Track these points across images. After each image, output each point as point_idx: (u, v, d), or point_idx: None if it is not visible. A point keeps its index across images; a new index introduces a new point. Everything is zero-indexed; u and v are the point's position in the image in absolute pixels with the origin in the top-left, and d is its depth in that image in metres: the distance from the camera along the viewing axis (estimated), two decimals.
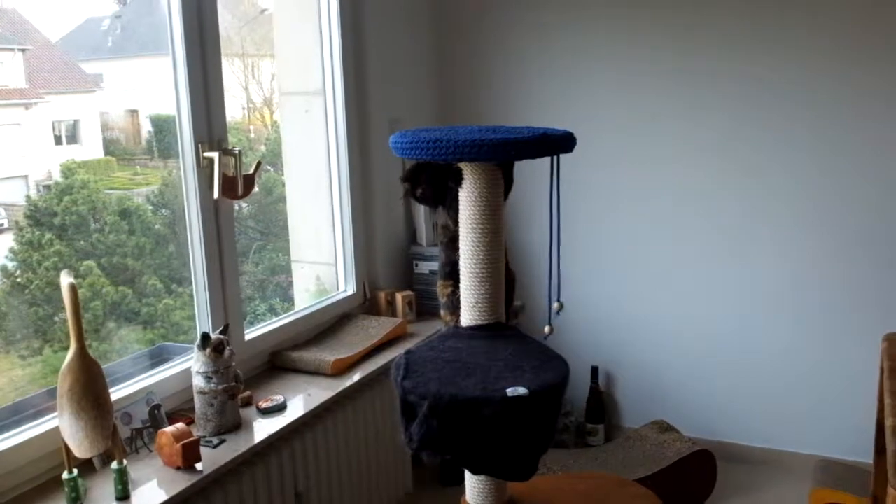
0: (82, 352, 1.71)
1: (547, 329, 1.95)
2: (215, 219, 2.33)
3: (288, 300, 3.06)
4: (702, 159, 3.09)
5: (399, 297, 3.00)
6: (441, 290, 1.98)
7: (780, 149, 2.97)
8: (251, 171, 2.38)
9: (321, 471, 2.35)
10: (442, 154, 1.73)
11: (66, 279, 1.70)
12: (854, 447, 2.91)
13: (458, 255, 1.85)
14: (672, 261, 3.21)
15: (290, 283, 3.08)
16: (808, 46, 2.86)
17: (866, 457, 2.35)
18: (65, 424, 1.71)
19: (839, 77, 2.84)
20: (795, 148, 2.95)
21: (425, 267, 3.16)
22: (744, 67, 2.96)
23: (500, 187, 1.85)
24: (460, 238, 1.87)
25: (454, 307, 1.92)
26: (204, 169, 2.27)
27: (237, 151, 2.31)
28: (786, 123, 2.94)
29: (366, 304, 3.04)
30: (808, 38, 2.86)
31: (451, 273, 1.91)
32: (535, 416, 1.58)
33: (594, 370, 3.33)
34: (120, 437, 1.85)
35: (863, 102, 2.83)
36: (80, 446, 1.72)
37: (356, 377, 2.51)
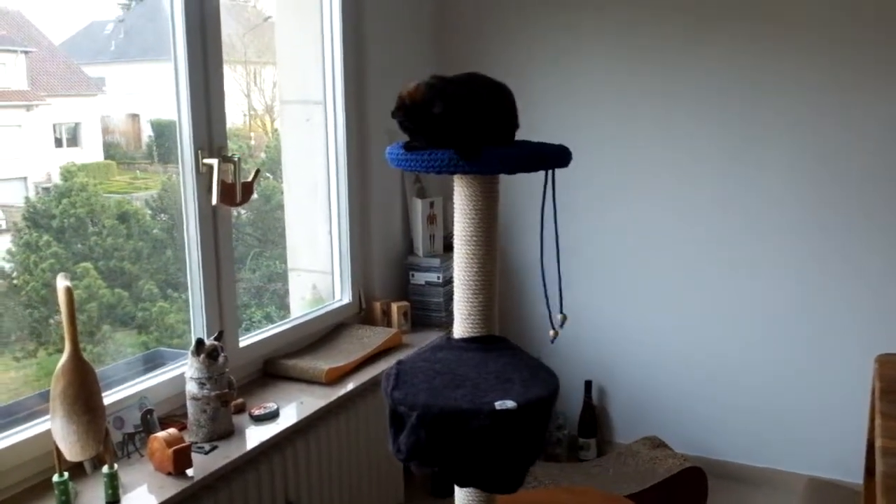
0: (76, 355, 1.72)
1: (552, 333, 1.95)
2: (213, 225, 2.34)
3: (284, 308, 3.07)
4: (699, 176, 3.11)
5: (395, 307, 3.01)
6: None
7: (778, 167, 2.99)
8: (250, 179, 2.40)
9: (313, 479, 2.35)
10: (436, 167, 1.74)
11: (62, 282, 1.71)
12: (845, 467, 2.91)
13: None
14: (668, 277, 3.22)
15: (287, 291, 3.09)
16: (811, 58, 2.88)
17: (857, 477, 2.35)
18: (57, 427, 1.72)
19: (844, 97, 2.86)
20: (794, 167, 2.96)
21: (421, 278, 3.17)
22: (745, 79, 2.98)
23: (494, 200, 1.86)
24: (454, 250, 1.88)
25: None
26: (203, 175, 2.28)
27: (236, 158, 2.33)
28: (786, 142, 2.96)
29: (361, 313, 3.05)
30: (811, 48, 2.88)
31: None
32: (523, 429, 1.59)
33: (588, 385, 3.33)
34: (111, 441, 1.86)
35: (865, 122, 2.84)
36: (71, 449, 1.73)
37: (350, 386, 2.52)
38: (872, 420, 1.93)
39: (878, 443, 1.61)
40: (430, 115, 1.67)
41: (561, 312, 1.93)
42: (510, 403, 1.56)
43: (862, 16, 2.79)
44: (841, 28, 2.82)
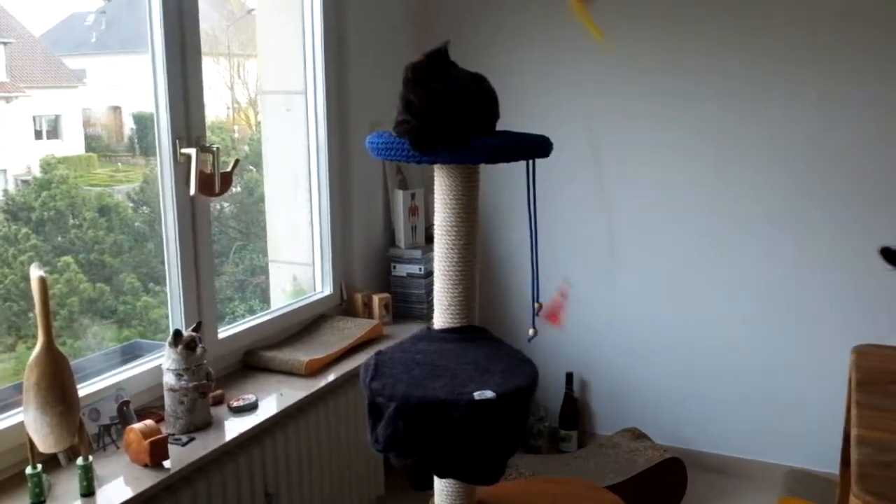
0: (50, 345, 1.70)
1: (531, 332, 1.96)
2: (191, 215, 2.32)
3: (267, 301, 3.05)
4: (682, 169, 3.12)
5: (376, 298, 3.00)
6: None
7: (759, 160, 3.00)
8: (229, 169, 2.38)
9: (292, 472, 2.34)
10: (417, 156, 1.74)
11: (35, 272, 1.69)
12: (823, 458, 2.94)
13: None
14: (649, 270, 3.23)
15: (270, 285, 3.07)
16: (793, 51, 2.89)
17: (834, 468, 2.36)
18: (30, 419, 1.70)
19: (821, 90, 2.88)
20: (775, 160, 2.98)
21: (403, 269, 3.16)
22: (730, 73, 2.99)
23: (475, 190, 1.86)
24: (435, 240, 1.87)
25: None
26: (181, 165, 2.26)
27: (215, 148, 2.30)
28: (768, 136, 2.97)
29: (342, 305, 3.03)
30: (791, 47, 2.89)
31: None
32: (502, 419, 1.59)
33: (569, 376, 3.34)
34: (87, 432, 1.84)
35: (846, 117, 2.86)
36: (45, 441, 1.70)
37: (330, 378, 2.50)
38: (849, 411, 1.94)
39: (853, 432, 1.62)
40: (431, 88, 1.66)
41: (537, 301, 1.93)
42: (489, 394, 1.56)
43: (852, 18, 2.81)
44: (831, 26, 2.84)
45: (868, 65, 2.81)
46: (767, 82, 2.94)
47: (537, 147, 1.83)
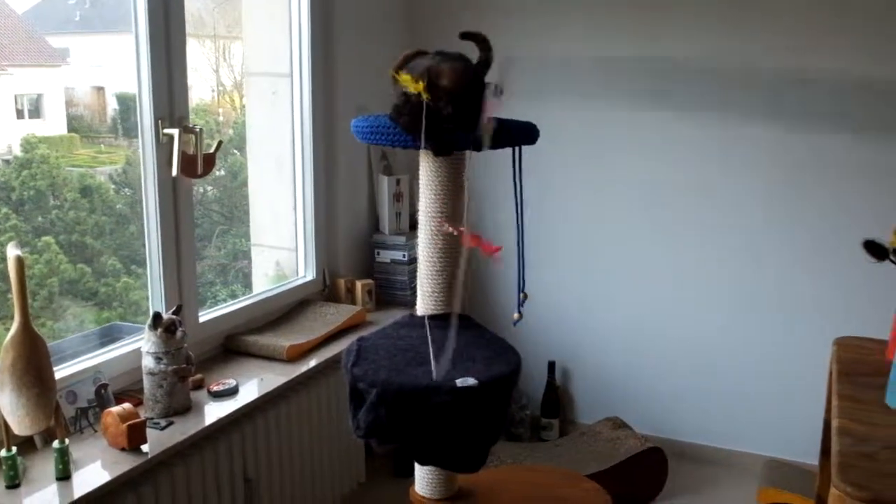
0: (26, 326, 1.68)
1: (516, 315, 1.95)
2: (173, 197, 2.29)
3: (250, 286, 3.03)
4: (666, 161, 3.11)
5: (359, 284, 2.98)
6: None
7: (742, 154, 3.00)
8: (212, 151, 2.35)
9: (272, 457, 2.33)
10: (402, 140, 1.72)
11: (12, 251, 1.66)
12: (803, 448, 2.96)
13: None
14: (633, 261, 3.23)
15: (253, 269, 3.05)
16: (776, 43, 2.89)
17: (814, 458, 2.38)
18: (5, 401, 1.68)
19: (803, 84, 2.88)
20: (758, 153, 2.98)
21: (387, 255, 3.14)
22: (714, 68, 2.98)
23: (460, 176, 1.84)
24: (419, 226, 1.86)
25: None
26: (163, 146, 2.23)
27: (198, 129, 2.27)
28: (752, 129, 2.97)
29: (325, 290, 3.01)
30: (777, 23, 2.89)
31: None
32: (484, 407, 1.58)
33: (551, 365, 3.34)
34: (63, 415, 1.82)
35: (829, 105, 2.86)
36: (20, 423, 1.68)
37: (312, 363, 2.49)
38: (830, 402, 1.95)
39: (834, 423, 1.63)
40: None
41: (522, 291, 1.92)
42: (471, 381, 1.55)
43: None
44: (812, 16, 2.84)
45: (853, 58, 2.81)
46: (751, 77, 2.93)
47: (525, 133, 1.82)
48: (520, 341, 3.09)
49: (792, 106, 2.91)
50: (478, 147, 1.69)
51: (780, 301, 3.04)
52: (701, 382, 3.20)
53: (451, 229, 1.75)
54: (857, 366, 1.90)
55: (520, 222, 1.87)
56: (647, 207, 3.17)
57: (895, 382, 1.63)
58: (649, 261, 3.21)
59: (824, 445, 2.15)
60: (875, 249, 1.83)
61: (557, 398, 3.35)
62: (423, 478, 1.92)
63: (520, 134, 1.80)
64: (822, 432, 2.19)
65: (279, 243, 2.99)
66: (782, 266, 3.02)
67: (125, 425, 1.82)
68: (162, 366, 2.04)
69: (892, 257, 1.76)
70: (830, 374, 2.02)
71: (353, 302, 2.97)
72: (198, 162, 2.28)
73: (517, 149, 1.84)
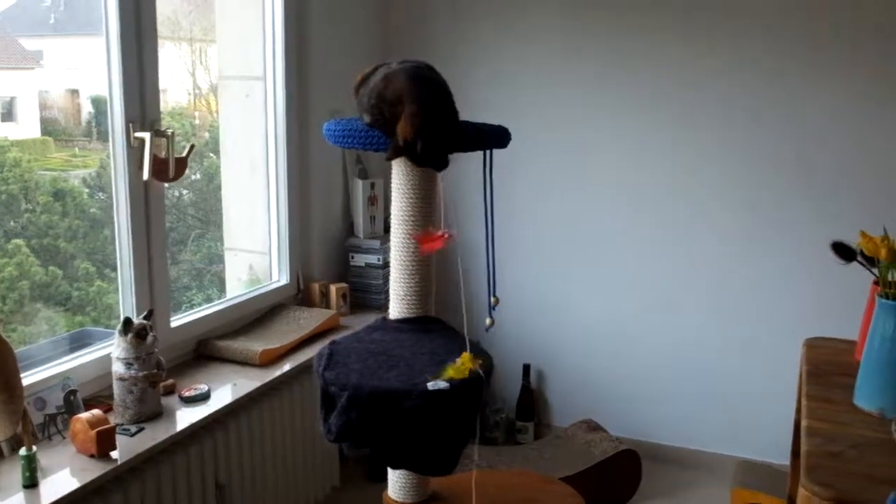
0: None
1: (488, 321, 1.95)
2: (145, 201, 2.27)
3: (224, 290, 3.01)
4: (637, 162, 3.14)
5: (333, 288, 2.97)
6: None
7: (714, 152, 3.03)
8: (184, 154, 2.33)
9: (245, 463, 2.31)
10: (374, 144, 1.72)
11: None
12: (776, 450, 2.98)
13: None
14: (605, 263, 3.25)
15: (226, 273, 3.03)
16: (752, 45, 2.93)
17: (787, 459, 2.40)
18: None
19: (782, 82, 2.92)
20: (729, 152, 3.01)
21: (361, 259, 3.14)
22: (688, 65, 3.02)
23: (433, 179, 1.84)
24: (391, 230, 1.86)
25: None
26: (134, 149, 2.21)
27: (170, 133, 2.26)
28: (724, 128, 3.01)
29: (299, 295, 3.00)
30: (754, 35, 2.93)
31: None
32: (455, 410, 1.58)
33: (526, 368, 3.34)
34: (31, 422, 1.79)
35: (806, 109, 2.90)
36: None
37: (285, 368, 2.47)
38: (800, 402, 1.97)
39: (803, 423, 1.64)
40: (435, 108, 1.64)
41: (494, 295, 1.92)
42: (442, 384, 1.55)
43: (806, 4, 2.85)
44: (785, 15, 2.87)
45: (831, 58, 2.85)
46: (728, 75, 2.97)
47: (497, 137, 1.82)
48: (494, 344, 3.10)
49: (764, 103, 2.94)
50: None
51: (753, 303, 3.07)
52: (675, 384, 3.22)
53: (428, 245, 1.74)
54: (826, 366, 1.92)
55: (489, 226, 1.87)
56: (623, 209, 3.19)
57: (863, 382, 1.65)
58: (623, 263, 3.22)
59: (795, 446, 2.17)
60: (843, 251, 1.85)
61: (532, 401, 3.36)
62: (395, 482, 1.91)
63: (491, 138, 1.81)
64: (792, 433, 2.21)
65: (253, 247, 2.98)
66: (754, 268, 3.05)
67: (94, 431, 1.80)
68: (132, 371, 2.01)
69: (859, 259, 1.78)
70: (801, 375, 2.04)
71: (327, 306, 2.96)
72: (169, 166, 2.27)
73: (488, 152, 1.85)
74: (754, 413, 3.12)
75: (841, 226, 2.85)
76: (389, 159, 1.73)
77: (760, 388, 3.09)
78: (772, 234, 3.01)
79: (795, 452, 2.18)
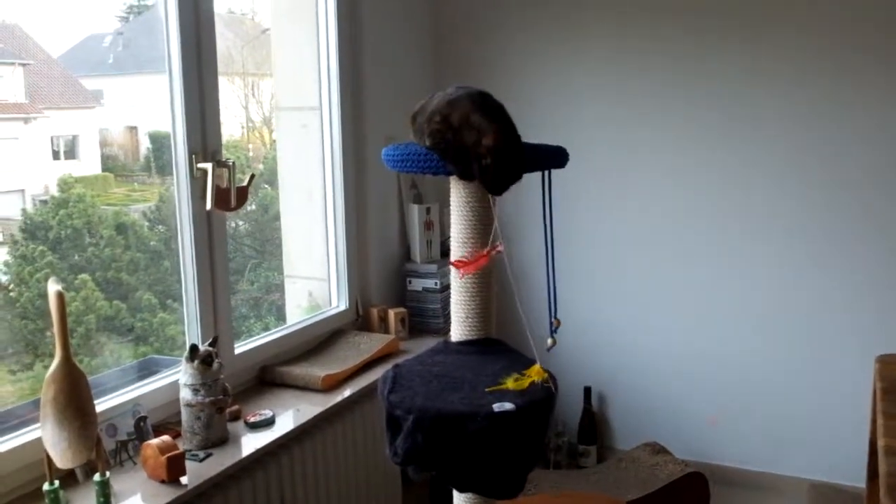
0: (67, 360, 1.70)
1: (549, 341, 1.93)
2: (208, 230, 2.32)
3: (283, 319, 3.05)
4: (699, 179, 3.10)
5: (392, 313, 2.99)
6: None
7: (777, 168, 2.98)
8: (245, 184, 2.38)
9: (309, 487, 2.32)
10: (433, 167, 1.73)
11: (52, 286, 1.69)
12: (847, 471, 2.89)
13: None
14: (667, 282, 3.20)
15: (286, 302, 3.07)
16: (811, 58, 2.89)
17: (858, 481, 2.33)
18: (47, 434, 1.69)
19: (842, 95, 2.86)
20: (792, 168, 2.96)
21: (419, 284, 3.15)
22: (745, 81, 2.98)
23: (490, 201, 1.84)
24: (451, 252, 1.86)
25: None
26: (197, 180, 2.27)
27: (231, 163, 2.31)
28: (784, 143, 2.96)
29: (358, 320, 3.02)
30: (811, 48, 2.89)
31: None
32: (521, 432, 1.57)
33: (587, 391, 3.31)
34: (104, 448, 1.83)
35: (865, 122, 2.84)
36: (62, 457, 1.70)
37: (347, 393, 2.49)
38: (874, 421, 1.91)
39: (880, 442, 1.59)
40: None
41: (555, 317, 1.91)
42: (508, 406, 1.54)
43: (862, 18, 2.79)
44: (840, 29, 2.82)
45: (874, 62, 2.79)
46: (788, 90, 2.92)
47: (555, 158, 1.82)
48: (554, 367, 3.04)
49: (830, 124, 2.88)
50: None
51: (818, 318, 2.99)
52: (740, 404, 3.15)
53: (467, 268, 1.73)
54: None
55: (549, 247, 1.86)
56: (679, 230, 3.15)
57: None
58: (683, 283, 3.18)
59: (871, 467, 2.10)
60: None
61: (594, 424, 3.31)
62: None
63: (549, 158, 1.80)
64: (868, 454, 2.14)
65: (311, 274, 3.02)
66: (820, 283, 2.98)
67: (164, 457, 1.83)
68: (199, 397, 2.05)
69: None
70: (874, 392, 1.97)
71: (385, 331, 2.98)
72: (231, 195, 2.31)
73: (546, 173, 1.84)
74: (825, 433, 3.02)
75: None
76: (464, 179, 1.72)
77: (830, 406, 3.00)
78: (837, 249, 2.93)
79: (872, 474, 2.10)
